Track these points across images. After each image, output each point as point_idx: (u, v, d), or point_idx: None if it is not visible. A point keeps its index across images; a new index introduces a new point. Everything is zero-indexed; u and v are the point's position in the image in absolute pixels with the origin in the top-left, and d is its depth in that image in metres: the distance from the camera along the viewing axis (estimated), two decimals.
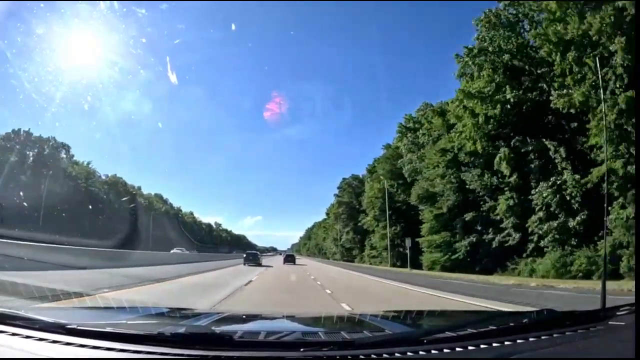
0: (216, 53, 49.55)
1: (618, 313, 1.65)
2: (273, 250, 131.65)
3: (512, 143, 20.91)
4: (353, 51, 78.49)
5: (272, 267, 28.90)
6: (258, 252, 38.46)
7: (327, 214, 75.57)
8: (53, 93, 17.37)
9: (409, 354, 1.29)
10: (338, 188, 61.64)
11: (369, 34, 69.07)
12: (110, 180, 51.25)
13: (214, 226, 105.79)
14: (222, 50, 47.78)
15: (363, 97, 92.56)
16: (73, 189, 40.89)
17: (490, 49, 21.82)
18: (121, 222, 42.96)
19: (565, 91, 16.53)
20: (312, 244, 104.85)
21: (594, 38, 14.77)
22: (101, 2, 13.29)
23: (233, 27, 49.86)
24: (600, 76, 14.18)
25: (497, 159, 21.48)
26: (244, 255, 33.02)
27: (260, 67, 72.18)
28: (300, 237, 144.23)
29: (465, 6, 45.61)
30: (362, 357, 1.26)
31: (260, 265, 30.50)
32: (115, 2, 13.41)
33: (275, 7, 59.45)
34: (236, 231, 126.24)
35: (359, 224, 48.80)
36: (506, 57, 21.34)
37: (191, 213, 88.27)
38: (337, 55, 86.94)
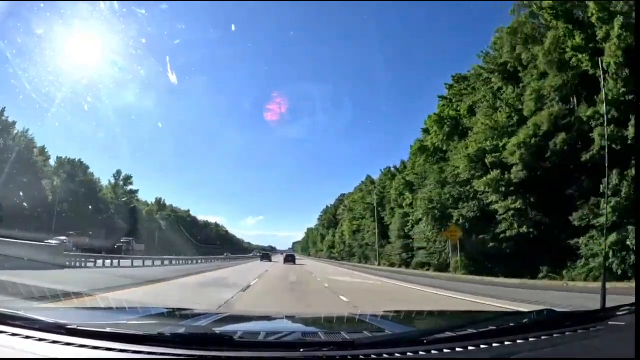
0: (216, 53, 49.55)
1: (618, 313, 1.64)
2: (272, 250, 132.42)
3: None
4: (353, 51, 78.49)
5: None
6: (269, 253, 54.97)
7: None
8: (53, 93, 17.40)
9: (408, 354, 1.28)
10: None
11: (369, 34, 69.01)
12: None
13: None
14: (222, 50, 47.74)
15: (364, 97, 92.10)
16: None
17: None
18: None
19: None
20: (336, 237, 64.76)
21: None
22: (101, 2, 13.29)
23: (233, 27, 50.09)
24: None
25: None
26: (260, 255, 50.62)
27: (260, 67, 72.02)
28: (308, 229, 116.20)
29: (466, 6, 45.79)
30: (362, 357, 1.26)
31: (270, 261, 43.88)
32: (115, 2, 13.42)
33: (276, 7, 59.73)
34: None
35: None
36: None
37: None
38: (337, 55, 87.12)
